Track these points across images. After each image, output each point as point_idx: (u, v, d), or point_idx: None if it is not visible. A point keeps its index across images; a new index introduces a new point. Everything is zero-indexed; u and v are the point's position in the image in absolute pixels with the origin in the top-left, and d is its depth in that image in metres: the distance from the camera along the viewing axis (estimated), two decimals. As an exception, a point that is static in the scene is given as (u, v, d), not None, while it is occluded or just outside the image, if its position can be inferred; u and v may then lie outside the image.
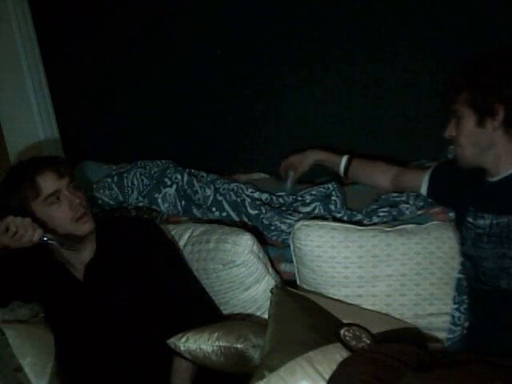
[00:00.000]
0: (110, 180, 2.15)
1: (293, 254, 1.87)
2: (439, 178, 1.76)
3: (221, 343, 1.61)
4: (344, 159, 1.93)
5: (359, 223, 1.87)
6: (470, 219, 1.59)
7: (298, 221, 1.88)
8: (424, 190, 1.79)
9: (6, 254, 1.69)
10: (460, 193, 1.66)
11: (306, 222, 1.83)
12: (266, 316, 1.74)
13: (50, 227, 1.68)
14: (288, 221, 1.94)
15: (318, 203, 1.95)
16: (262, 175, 2.12)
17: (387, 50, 1.90)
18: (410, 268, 1.73)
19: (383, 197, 1.89)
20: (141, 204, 2.13)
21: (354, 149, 2.01)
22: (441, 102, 1.61)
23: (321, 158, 1.97)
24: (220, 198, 2.04)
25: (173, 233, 1.97)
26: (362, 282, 1.76)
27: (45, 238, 1.63)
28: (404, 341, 1.58)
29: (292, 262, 1.90)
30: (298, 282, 1.89)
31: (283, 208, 2.00)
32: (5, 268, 1.78)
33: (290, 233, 1.92)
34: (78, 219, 1.68)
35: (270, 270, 1.89)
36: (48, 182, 1.67)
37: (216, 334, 1.63)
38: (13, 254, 1.82)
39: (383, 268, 1.75)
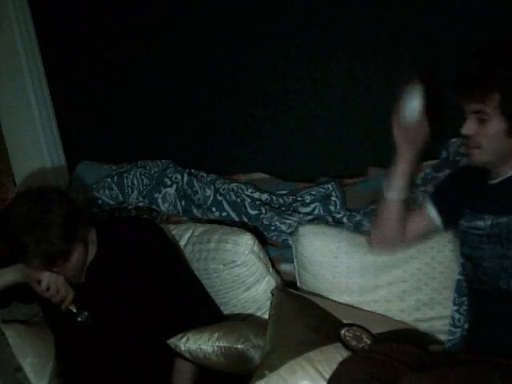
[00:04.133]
0: (109, 180, 2.15)
1: (295, 258, 1.87)
2: (444, 203, 1.67)
3: (221, 344, 1.62)
4: None
5: (359, 224, 1.88)
6: (470, 220, 1.58)
7: (299, 223, 1.89)
8: (438, 222, 1.67)
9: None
10: (461, 195, 1.64)
11: (311, 229, 1.83)
12: (266, 316, 1.74)
13: None
14: (288, 221, 1.94)
15: (318, 203, 1.95)
16: (262, 175, 2.11)
17: (387, 50, 1.90)
18: (411, 274, 1.74)
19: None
20: (141, 204, 2.13)
21: (354, 148, 2.01)
22: (458, 92, 1.49)
23: None
24: (220, 198, 2.04)
25: (173, 233, 1.97)
26: (362, 291, 1.77)
27: (74, 310, 1.67)
28: (404, 341, 1.58)
29: (292, 262, 1.90)
30: (298, 284, 1.89)
31: (283, 208, 2.00)
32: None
33: (289, 233, 1.92)
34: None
35: (271, 270, 1.90)
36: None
37: (216, 335, 1.63)
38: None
39: (384, 276, 1.75)
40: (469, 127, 1.49)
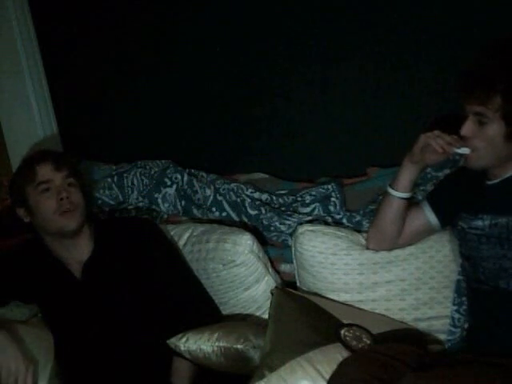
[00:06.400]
0: (110, 180, 2.15)
1: (294, 257, 1.87)
2: (442, 203, 1.68)
3: (221, 344, 1.62)
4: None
5: (359, 224, 1.88)
6: (469, 220, 1.58)
7: (299, 224, 1.89)
8: (435, 222, 1.69)
9: (4, 254, 1.69)
10: (459, 196, 1.64)
11: (310, 228, 1.83)
12: (266, 316, 1.75)
13: (38, 218, 1.73)
14: (288, 222, 1.94)
15: (318, 204, 1.95)
16: (262, 175, 2.12)
17: (387, 51, 1.90)
18: (409, 273, 1.74)
19: (381, 197, 1.89)
20: (141, 204, 2.13)
21: (354, 148, 2.01)
22: (460, 92, 1.48)
23: None
24: (220, 198, 2.04)
25: (172, 233, 1.97)
26: (361, 289, 1.77)
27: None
28: (404, 341, 1.59)
29: (292, 262, 1.90)
30: (297, 284, 1.89)
31: (283, 208, 2.00)
32: (2, 268, 1.79)
33: (289, 234, 1.92)
34: (63, 213, 1.71)
35: (270, 269, 1.90)
36: (44, 171, 1.74)
37: (216, 335, 1.63)
38: (10, 254, 1.82)
39: (383, 274, 1.75)
40: (468, 128, 1.48)
